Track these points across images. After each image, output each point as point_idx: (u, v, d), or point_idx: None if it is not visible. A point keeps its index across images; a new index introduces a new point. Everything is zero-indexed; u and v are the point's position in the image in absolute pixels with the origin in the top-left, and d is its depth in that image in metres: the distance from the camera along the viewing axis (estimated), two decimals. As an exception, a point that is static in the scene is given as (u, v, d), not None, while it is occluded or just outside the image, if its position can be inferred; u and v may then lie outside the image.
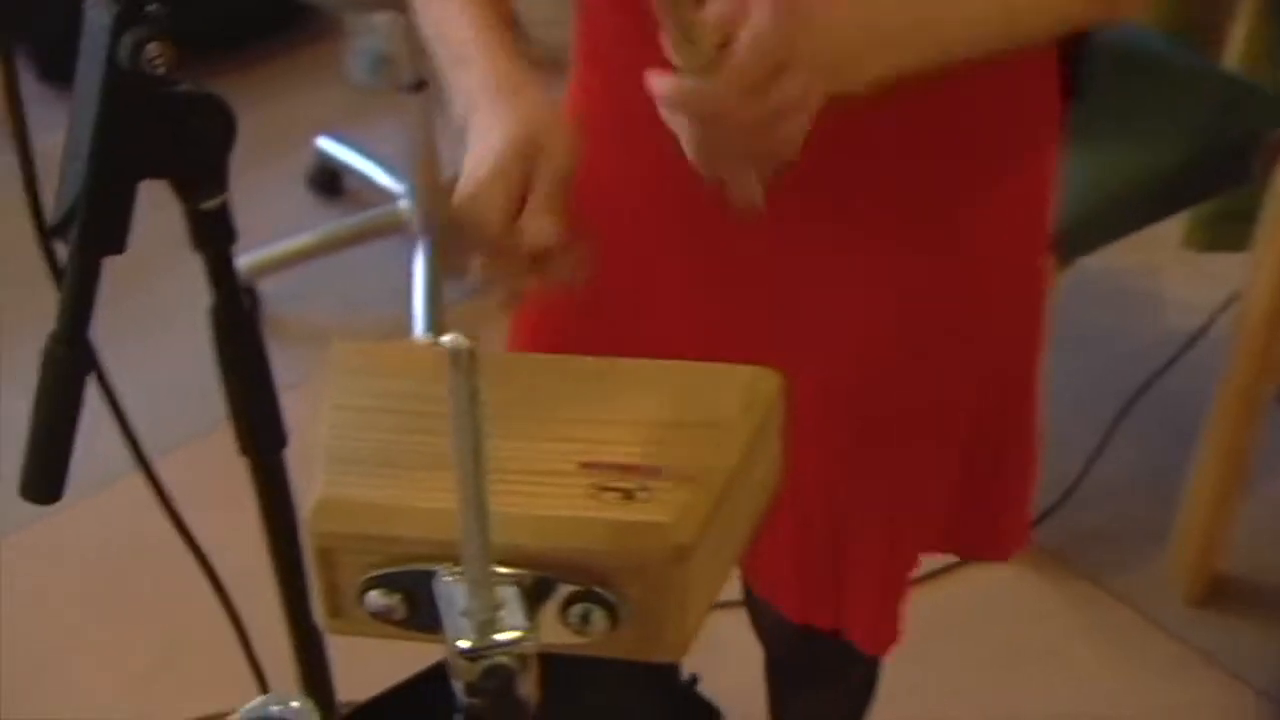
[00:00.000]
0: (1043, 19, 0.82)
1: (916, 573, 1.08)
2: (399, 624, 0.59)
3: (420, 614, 0.58)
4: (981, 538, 1.10)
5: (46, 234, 0.74)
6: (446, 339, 0.48)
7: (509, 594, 0.55)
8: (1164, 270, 2.24)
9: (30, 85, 2.59)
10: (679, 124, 0.69)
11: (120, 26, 0.69)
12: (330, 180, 2.48)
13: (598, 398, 0.63)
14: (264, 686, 0.99)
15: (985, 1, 0.80)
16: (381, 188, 2.35)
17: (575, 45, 1.00)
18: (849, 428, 0.99)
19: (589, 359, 0.67)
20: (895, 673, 1.29)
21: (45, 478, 0.77)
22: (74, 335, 0.75)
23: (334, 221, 2.37)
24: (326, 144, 2.46)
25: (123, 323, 2.17)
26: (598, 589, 0.56)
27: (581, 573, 0.56)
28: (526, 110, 0.79)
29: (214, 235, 0.79)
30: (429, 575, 0.57)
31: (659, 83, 0.66)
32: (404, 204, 2.29)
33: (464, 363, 0.48)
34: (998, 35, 0.81)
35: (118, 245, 0.74)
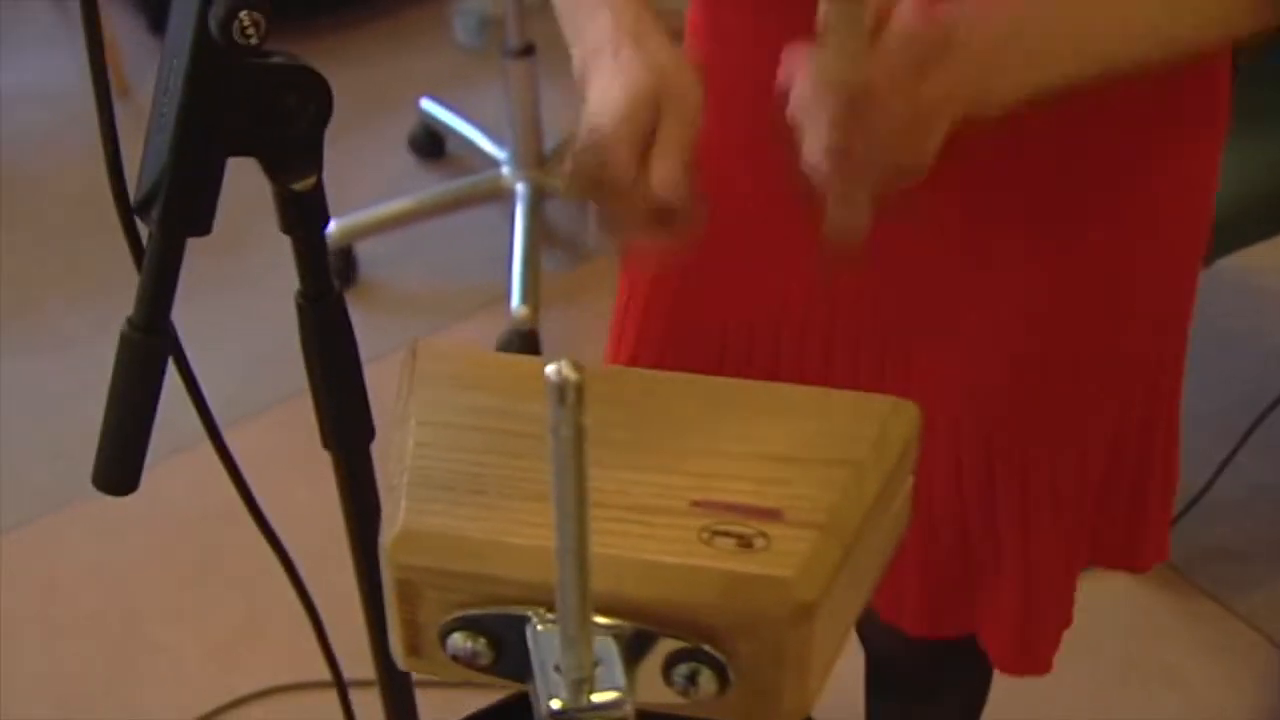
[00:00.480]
0: (1208, 30, 0.74)
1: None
2: (483, 669, 0.53)
3: (507, 661, 0.52)
4: (1123, 547, 1.04)
5: (129, 211, 0.69)
6: (550, 369, 0.42)
7: (607, 647, 0.49)
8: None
9: (141, 38, 2.61)
10: (811, 119, 0.64)
11: (210, -5, 0.63)
12: (432, 143, 2.44)
13: (714, 424, 0.57)
14: (335, 669, 0.94)
15: (1149, 10, 0.72)
16: (483, 153, 2.31)
17: (692, 16, 0.94)
18: (980, 440, 0.93)
19: (706, 378, 0.60)
20: (1004, 685, 1.22)
21: (120, 469, 0.73)
22: (153, 321, 0.70)
23: (434, 186, 2.33)
24: (430, 106, 2.42)
25: (217, 279, 2.16)
26: (706, 647, 0.50)
27: (688, 628, 0.50)
28: (653, 58, 0.73)
29: (305, 218, 0.73)
30: (520, 620, 0.51)
31: (805, 62, 0.60)
32: (505, 171, 2.24)
33: (570, 398, 0.42)
34: (1161, 46, 0.74)
35: (203, 226, 0.69)
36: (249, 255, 2.14)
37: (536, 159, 2.23)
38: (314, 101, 0.70)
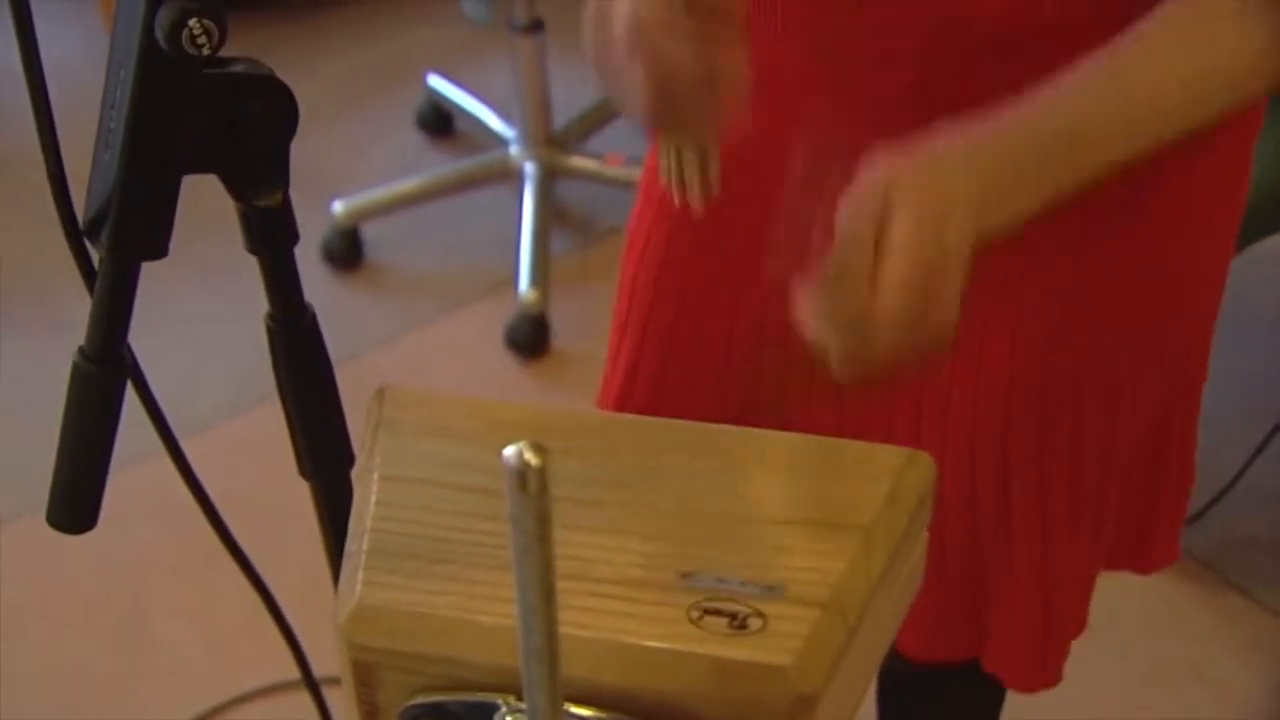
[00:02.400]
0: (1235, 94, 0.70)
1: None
2: (451, 756, 0.48)
3: (477, 749, 0.47)
4: (1131, 549, 1.00)
5: (77, 233, 0.64)
6: (509, 453, 0.37)
7: (585, 740, 0.44)
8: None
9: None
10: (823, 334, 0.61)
11: (157, 1, 0.58)
12: (441, 121, 2.38)
13: (708, 481, 0.51)
14: (302, 661, 0.90)
15: (1164, 96, 0.68)
16: (492, 131, 2.25)
17: None
18: (996, 443, 0.89)
19: (700, 425, 0.55)
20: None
21: (75, 507, 0.68)
22: (107, 350, 0.65)
23: (442, 164, 2.28)
24: (437, 83, 2.36)
25: (215, 262, 2.12)
26: (696, 738, 0.45)
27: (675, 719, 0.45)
28: None
29: (271, 237, 0.68)
30: (488, 709, 0.46)
31: (808, 308, 0.61)
32: (514, 150, 2.19)
33: (533, 485, 0.36)
34: (1184, 123, 0.69)
35: (158, 249, 0.64)
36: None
37: (546, 137, 2.17)
38: (277, 112, 0.64)
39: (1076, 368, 0.88)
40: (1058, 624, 0.97)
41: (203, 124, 0.62)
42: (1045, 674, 0.99)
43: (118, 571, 1.77)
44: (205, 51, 0.59)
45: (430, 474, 0.53)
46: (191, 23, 0.58)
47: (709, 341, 0.94)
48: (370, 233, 2.19)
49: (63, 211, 0.63)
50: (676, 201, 0.78)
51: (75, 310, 2.28)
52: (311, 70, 2.43)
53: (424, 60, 2.46)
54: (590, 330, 2.03)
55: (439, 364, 2.02)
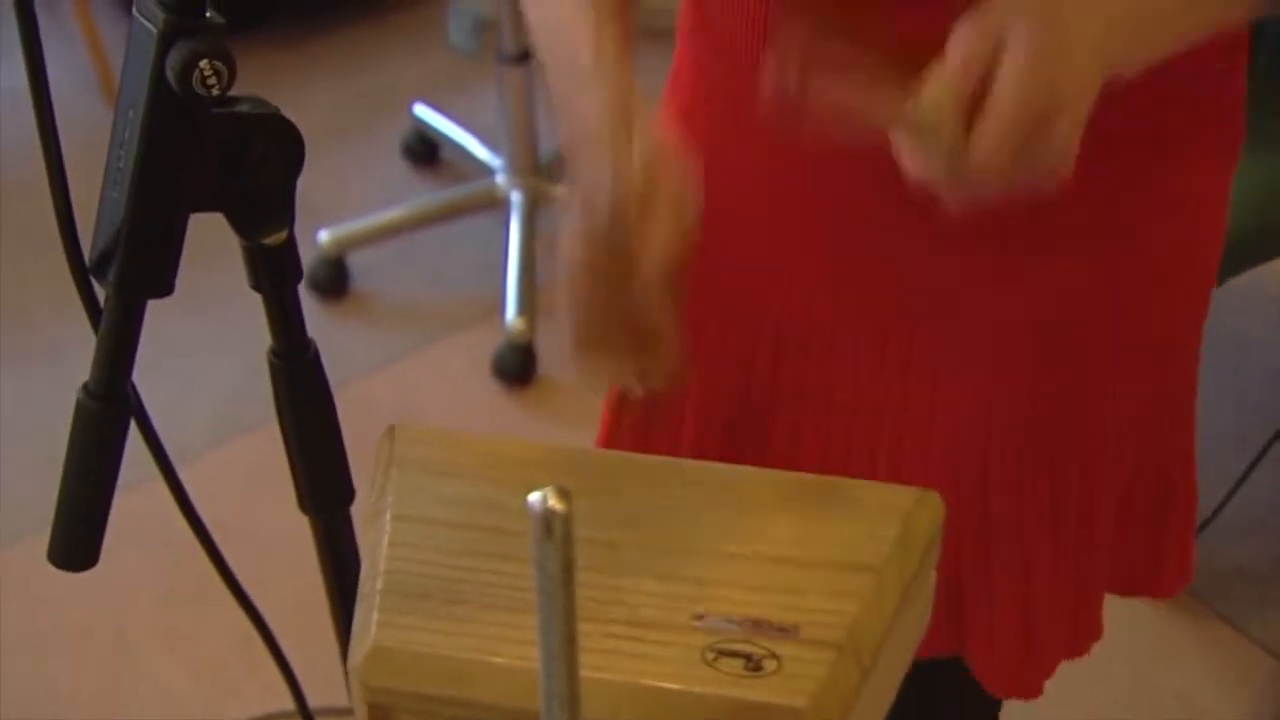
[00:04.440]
0: None
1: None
2: (465, 798, 0.48)
3: (491, 791, 0.47)
4: (1145, 573, 1.01)
5: (83, 271, 0.64)
6: (534, 499, 0.37)
7: (601, 781, 0.45)
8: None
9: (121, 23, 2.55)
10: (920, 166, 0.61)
11: (168, 39, 0.58)
12: (426, 149, 2.39)
13: (722, 521, 0.51)
14: (297, 692, 0.89)
15: None
16: (478, 160, 2.25)
17: (685, 11, 0.89)
18: (978, 451, 0.89)
19: (710, 465, 0.55)
20: (1012, 712, 1.18)
21: (77, 545, 0.68)
22: (112, 388, 0.65)
23: (428, 193, 2.28)
24: (424, 112, 2.36)
25: (220, 283, 2.11)
26: (711, 779, 0.45)
27: (692, 760, 0.45)
28: (647, 146, 0.68)
29: (275, 274, 0.68)
30: (504, 750, 0.46)
31: (907, 163, 0.59)
32: (500, 178, 2.19)
33: (558, 531, 0.36)
34: None
35: (164, 287, 0.64)
36: (236, 253, 2.09)
37: (532, 166, 2.18)
38: (283, 150, 0.65)
39: (1058, 399, 0.88)
40: (1039, 642, 0.97)
41: (210, 163, 0.62)
42: (1024, 686, 0.98)
43: (103, 601, 1.75)
44: (215, 92, 0.59)
45: (442, 514, 0.53)
46: (202, 64, 0.58)
47: (698, 365, 0.95)
48: (356, 262, 2.19)
49: (69, 250, 0.64)
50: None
51: (63, 338, 2.27)
52: (297, 100, 2.44)
53: (409, 90, 2.46)
54: (577, 359, 2.04)
55: (426, 393, 2.02)
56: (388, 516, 0.53)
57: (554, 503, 0.37)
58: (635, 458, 0.57)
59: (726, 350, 0.93)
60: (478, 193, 2.22)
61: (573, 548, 0.38)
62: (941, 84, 0.60)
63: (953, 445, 0.89)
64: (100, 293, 0.65)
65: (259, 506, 1.61)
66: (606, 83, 0.71)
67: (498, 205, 2.19)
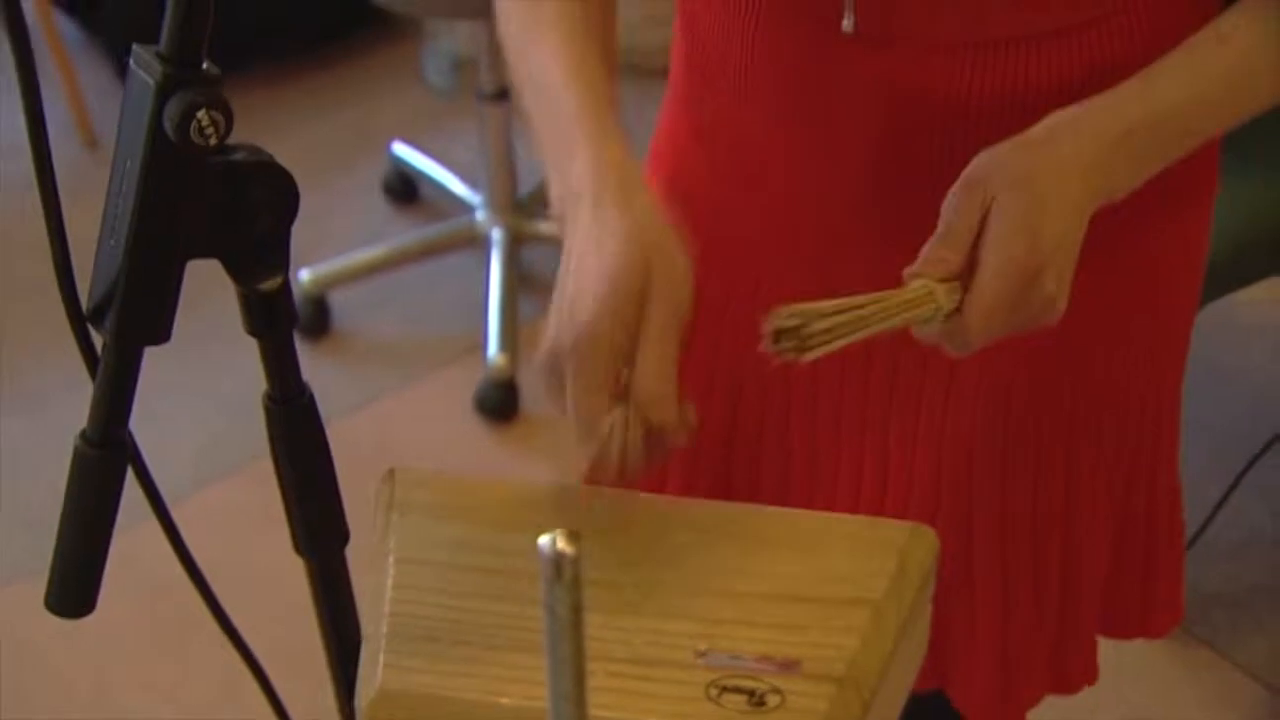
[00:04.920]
0: None
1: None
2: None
3: (499, 831, 0.48)
4: (1136, 615, 1.02)
5: (80, 319, 0.65)
6: (544, 542, 0.38)
7: (608, 819, 0.45)
8: (1292, 306, 2.09)
9: (108, 85, 2.55)
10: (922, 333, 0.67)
11: (166, 90, 0.59)
12: (406, 187, 2.40)
13: (721, 559, 0.52)
14: None
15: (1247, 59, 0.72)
16: (457, 198, 2.27)
17: (678, 52, 0.90)
18: (961, 489, 0.90)
19: (707, 503, 0.56)
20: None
21: (75, 591, 0.68)
22: (108, 435, 0.66)
23: (408, 230, 2.29)
24: (402, 150, 2.38)
25: (200, 327, 2.11)
26: (717, 814, 0.46)
27: (697, 796, 0.46)
28: (637, 224, 0.68)
29: (272, 319, 0.69)
30: (512, 791, 0.46)
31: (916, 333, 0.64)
32: (480, 216, 2.20)
33: (567, 574, 0.37)
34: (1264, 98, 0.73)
35: (161, 334, 0.65)
36: (218, 296, 2.09)
37: (512, 204, 2.19)
38: (279, 198, 0.65)
39: (1039, 434, 0.89)
40: (1017, 680, 0.97)
41: (207, 211, 0.63)
42: (1010, 711, 0.99)
43: (85, 645, 1.74)
44: (212, 141, 0.60)
45: (445, 556, 0.54)
46: (200, 114, 0.59)
47: (711, 394, 0.95)
48: (337, 301, 2.20)
49: (67, 299, 0.64)
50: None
51: (39, 384, 2.26)
52: (276, 140, 2.43)
53: (388, 129, 2.47)
54: (559, 395, 2.04)
55: (409, 431, 2.02)
56: (390, 560, 0.54)
57: (564, 546, 0.38)
58: (634, 496, 0.58)
59: (713, 387, 0.94)
60: (458, 230, 2.23)
61: (582, 590, 0.39)
62: (930, 264, 0.64)
63: (936, 473, 0.90)
64: (97, 340, 0.65)
65: (245, 548, 1.60)
66: (590, 141, 0.72)
67: (478, 242, 2.20)
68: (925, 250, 0.65)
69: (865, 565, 0.52)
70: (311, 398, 0.73)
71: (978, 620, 0.94)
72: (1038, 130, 0.68)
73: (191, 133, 0.59)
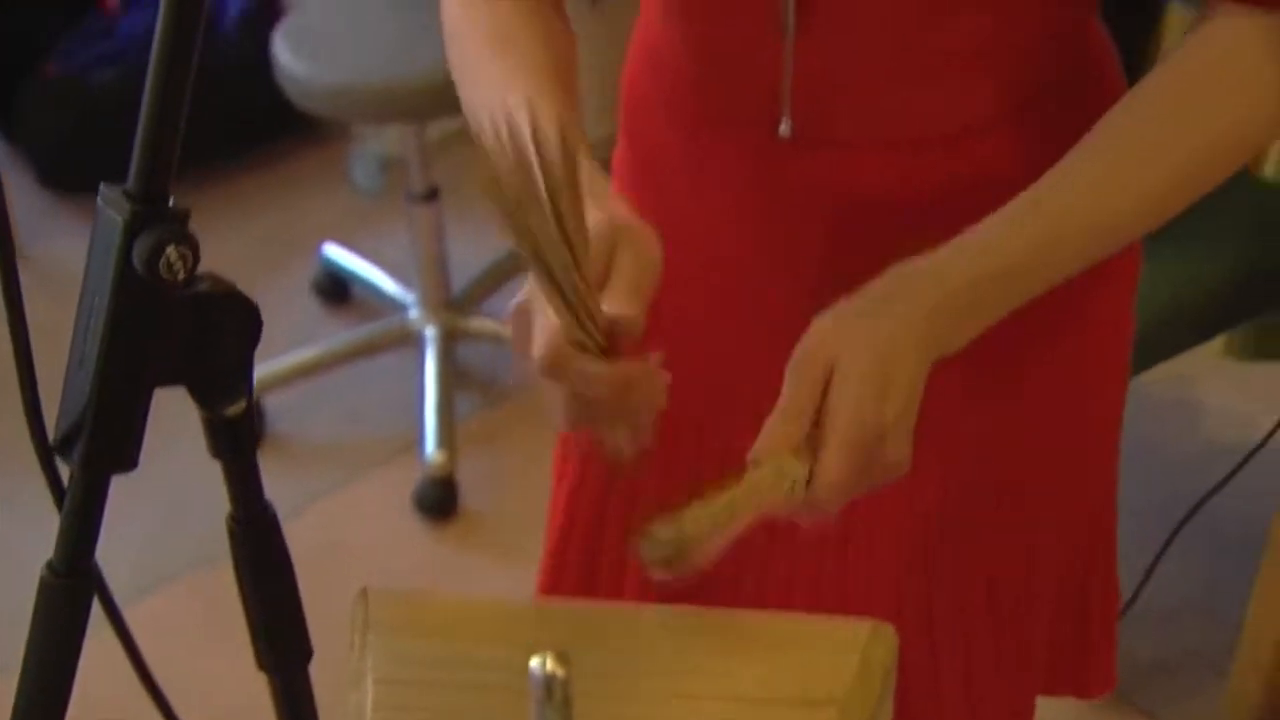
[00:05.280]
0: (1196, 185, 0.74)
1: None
2: None
3: None
4: (1071, 676, 1.05)
5: (48, 450, 0.66)
6: (534, 664, 0.40)
7: None
8: (1203, 380, 2.16)
9: (31, 192, 2.54)
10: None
11: (135, 228, 0.61)
12: (337, 288, 2.41)
13: (689, 663, 0.54)
14: None
15: (1124, 193, 0.73)
16: (390, 296, 2.28)
17: (620, 159, 0.93)
18: (920, 562, 0.93)
19: (675, 609, 0.58)
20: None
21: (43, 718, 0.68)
22: (75, 565, 0.66)
23: (341, 330, 2.30)
24: (333, 250, 2.39)
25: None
26: None
27: None
28: (612, 211, 0.69)
29: (235, 442, 0.70)
30: None
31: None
32: (413, 314, 2.22)
33: (557, 695, 0.39)
34: (1140, 226, 0.74)
35: (129, 462, 0.66)
36: (160, 410, 2.07)
37: (445, 301, 2.21)
38: (242, 325, 0.67)
39: (995, 508, 0.92)
40: None
41: (174, 341, 0.65)
42: None
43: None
44: (181, 277, 0.62)
45: (423, 674, 0.55)
46: (169, 250, 0.61)
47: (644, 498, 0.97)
48: (272, 404, 2.19)
49: (35, 431, 0.65)
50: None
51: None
52: (204, 245, 2.44)
53: (317, 230, 2.49)
54: (499, 489, 2.05)
55: (349, 532, 2.01)
56: (369, 680, 0.55)
57: (554, 668, 0.40)
58: (601, 608, 0.60)
59: (656, 466, 0.95)
60: (391, 329, 2.24)
61: (572, 709, 0.41)
62: (776, 440, 0.65)
63: (895, 553, 0.92)
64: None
65: (182, 660, 1.58)
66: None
67: (411, 340, 2.21)
68: (769, 426, 0.66)
69: (828, 663, 0.54)
70: (274, 516, 0.74)
71: (943, 692, 0.96)
72: (874, 290, 0.69)
73: (161, 269, 0.61)
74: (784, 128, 0.80)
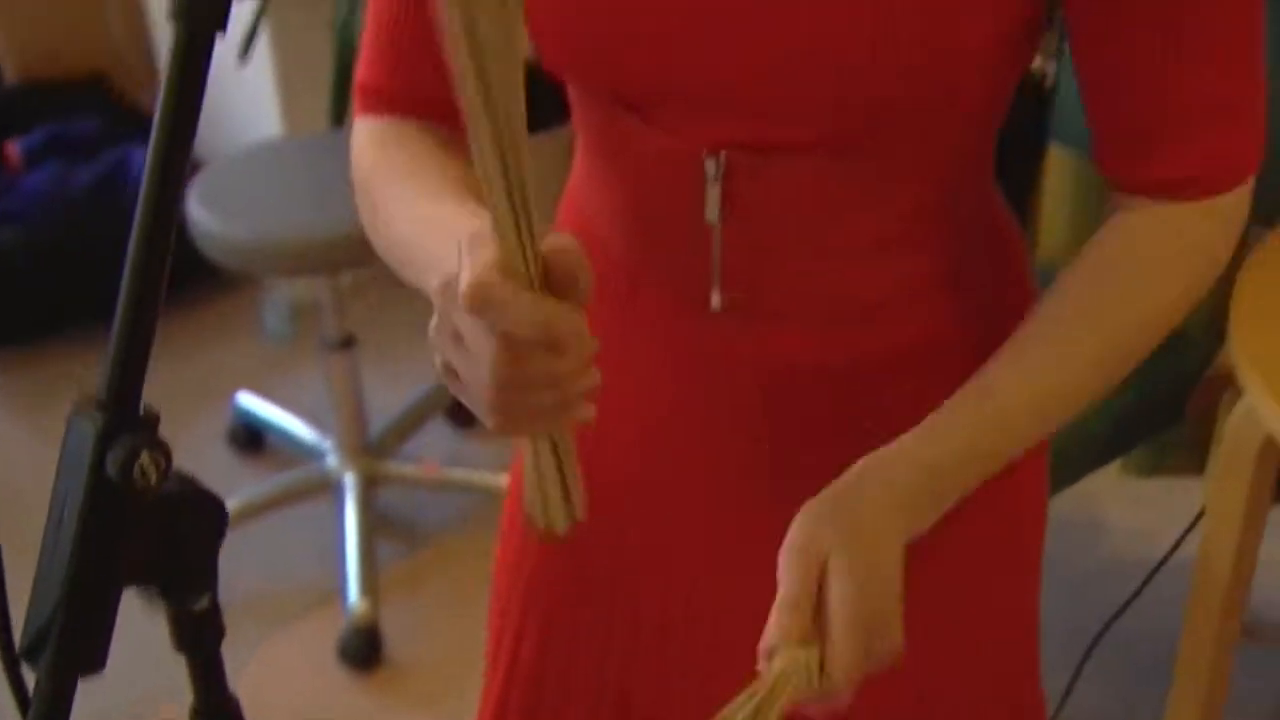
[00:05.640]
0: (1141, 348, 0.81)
1: None
2: None
3: None
4: None
5: (14, 660, 0.66)
6: None
7: None
8: (1103, 497, 2.24)
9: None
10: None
11: (107, 437, 0.62)
12: (251, 437, 2.39)
13: None
14: None
15: (1068, 373, 0.78)
16: (306, 444, 2.27)
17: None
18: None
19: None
20: None
21: None
22: (44, 770, 0.66)
23: (257, 481, 2.28)
24: (247, 399, 2.38)
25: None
26: None
27: None
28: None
29: (199, 637, 0.71)
30: None
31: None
32: (331, 461, 2.21)
33: None
34: (1086, 394, 0.79)
35: (97, 664, 0.66)
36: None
37: (363, 446, 2.21)
38: (210, 523, 0.69)
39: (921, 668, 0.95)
40: None
41: (144, 544, 0.66)
42: None
43: None
44: (153, 482, 0.63)
45: None
46: (142, 457, 0.62)
47: (580, 669, 0.98)
48: (187, 558, 2.15)
49: (3, 643, 0.65)
50: (539, 535, 0.78)
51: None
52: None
53: (229, 379, 2.48)
54: (424, 637, 2.03)
55: (271, 689, 1.97)
56: None
57: None
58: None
59: (609, 656, 0.97)
60: (308, 477, 2.23)
61: None
62: (784, 633, 0.69)
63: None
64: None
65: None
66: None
67: (330, 488, 2.20)
68: (773, 621, 0.69)
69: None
70: (237, 706, 0.75)
71: None
72: (849, 479, 0.73)
73: (134, 475, 0.62)
74: (715, 301, 0.83)
